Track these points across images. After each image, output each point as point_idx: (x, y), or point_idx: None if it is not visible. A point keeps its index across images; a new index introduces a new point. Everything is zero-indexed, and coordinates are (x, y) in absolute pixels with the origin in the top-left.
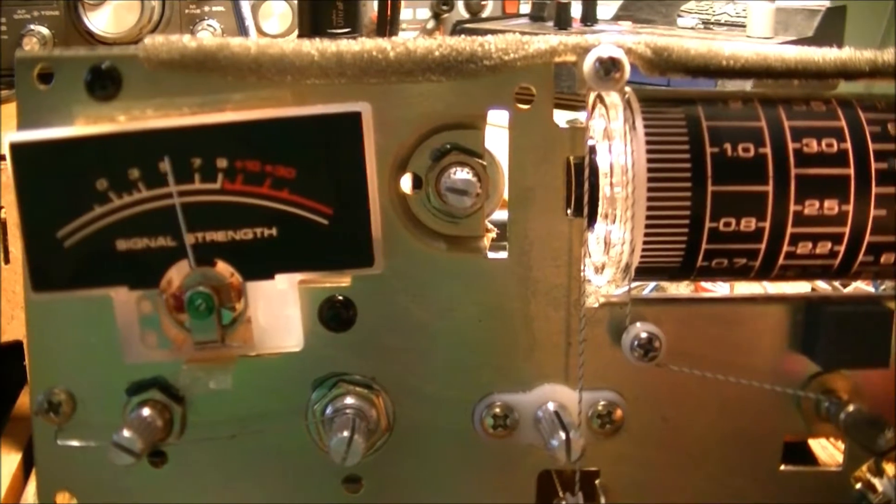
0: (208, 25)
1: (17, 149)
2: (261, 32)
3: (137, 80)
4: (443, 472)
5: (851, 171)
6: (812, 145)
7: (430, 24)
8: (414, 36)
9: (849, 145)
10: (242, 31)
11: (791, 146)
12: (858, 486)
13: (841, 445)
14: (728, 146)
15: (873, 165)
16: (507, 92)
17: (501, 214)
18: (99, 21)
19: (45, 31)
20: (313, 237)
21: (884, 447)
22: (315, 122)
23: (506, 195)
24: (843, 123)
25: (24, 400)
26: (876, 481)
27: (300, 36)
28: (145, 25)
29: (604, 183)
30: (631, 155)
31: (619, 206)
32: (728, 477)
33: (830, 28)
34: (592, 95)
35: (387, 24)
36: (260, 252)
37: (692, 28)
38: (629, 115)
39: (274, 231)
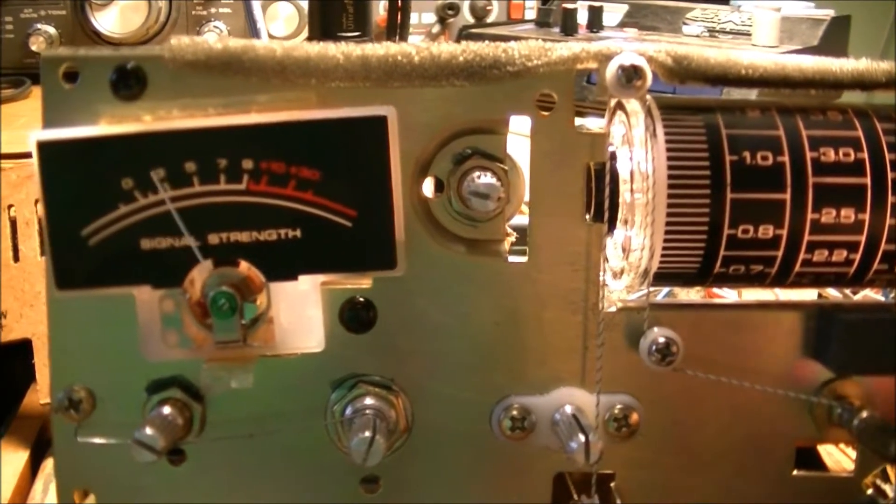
0: (215, 27)
1: (43, 147)
2: (268, 34)
3: (162, 80)
4: (459, 473)
5: (868, 180)
6: (829, 154)
7: (436, 29)
8: (419, 40)
9: (865, 155)
10: (254, 33)
11: (809, 155)
12: (869, 491)
13: (849, 451)
14: (747, 154)
15: (889, 175)
16: (529, 98)
17: (521, 219)
18: (106, 21)
19: (51, 30)
20: (337, 239)
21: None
22: (341, 125)
23: (526, 200)
24: (860, 133)
25: (31, 398)
26: (886, 487)
27: (310, 39)
28: (152, 26)
29: (623, 189)
30: (651, 162)
31: (638, 212)
32: (740, 481)
33: (835, 37)
34: (613, 102)
35: (396, 28)
36: (284, 253)
37: (697, 36)
38: (650, 123)
39: (298, 232)
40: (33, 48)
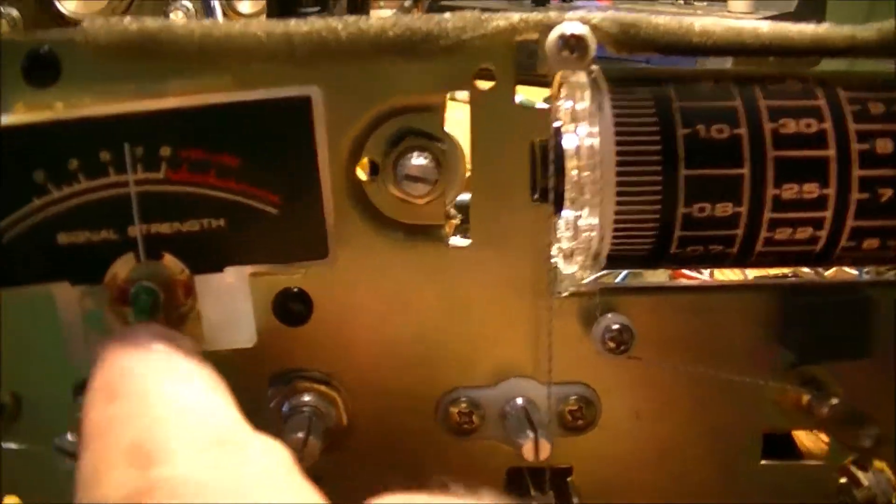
0: (182, 5)
1: None
2: (235, 13)
3: (77, 65)
4: (407, 470)
5: (832, 152)
6: (790, 126)
7: (408, 3)
8: (392, 13)
9: (828, 125)
10: (209, 11)
11: (767, 127)
12: (843, 479)
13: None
14: (701, 127)
15: (854, 146)
16: (467, 72)
17: (468, 197)
18: (69, 2)
19: (14, 13)
20: (263, 228)
21: (866, 443)
22: (262, 108)
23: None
24: (822, 102)
25: None
26: (860, 475)
27: (269, 16)
28: (117, 6)
29: (571, 166)
30: (598, 137)
31: (586, 191)
32: (706, 473)
33: (812, 3)
34: (558, 74)
35: (357, 2)
36: (208, 244)
37: (672, 3)
38: (596, 96)
39: (222, 222)
40: None
